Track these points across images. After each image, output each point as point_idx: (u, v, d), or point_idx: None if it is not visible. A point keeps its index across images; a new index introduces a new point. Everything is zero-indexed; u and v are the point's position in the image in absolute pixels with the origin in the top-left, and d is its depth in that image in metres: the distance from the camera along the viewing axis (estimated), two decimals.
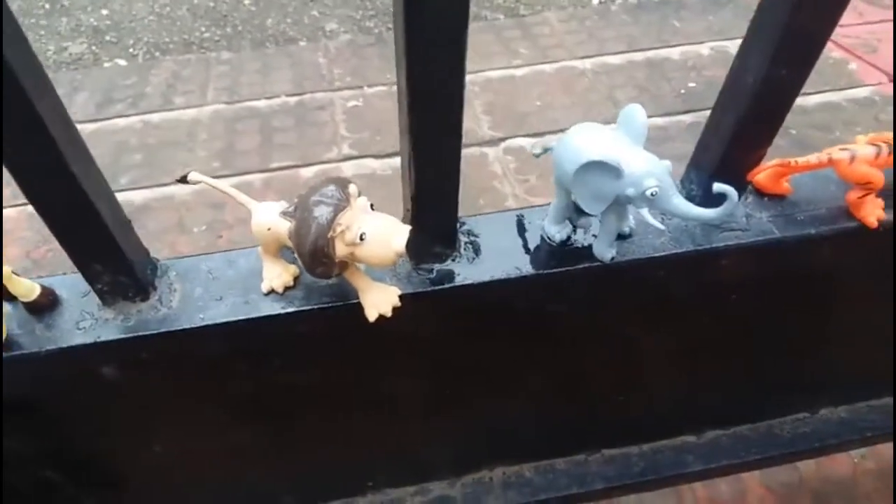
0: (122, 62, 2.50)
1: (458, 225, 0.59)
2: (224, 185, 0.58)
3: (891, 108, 1.93)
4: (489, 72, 2.21)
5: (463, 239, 0.59)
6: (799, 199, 0.64)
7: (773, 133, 0.54)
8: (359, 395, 0.74)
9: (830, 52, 2.21)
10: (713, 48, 2.22)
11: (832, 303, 0.79)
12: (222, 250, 0.60)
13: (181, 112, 2.11)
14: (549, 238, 0.60)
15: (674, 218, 0.58)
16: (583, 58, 2.25)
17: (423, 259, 0.58)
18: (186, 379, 0.61)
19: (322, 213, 0.49)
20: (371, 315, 0.55)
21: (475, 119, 2.03)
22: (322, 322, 0.57)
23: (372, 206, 0.51)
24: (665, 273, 0.61)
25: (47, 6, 2.86)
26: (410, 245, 0.58)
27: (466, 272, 0.58)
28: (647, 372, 0.84)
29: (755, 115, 0.52)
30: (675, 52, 2.22)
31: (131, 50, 2.55)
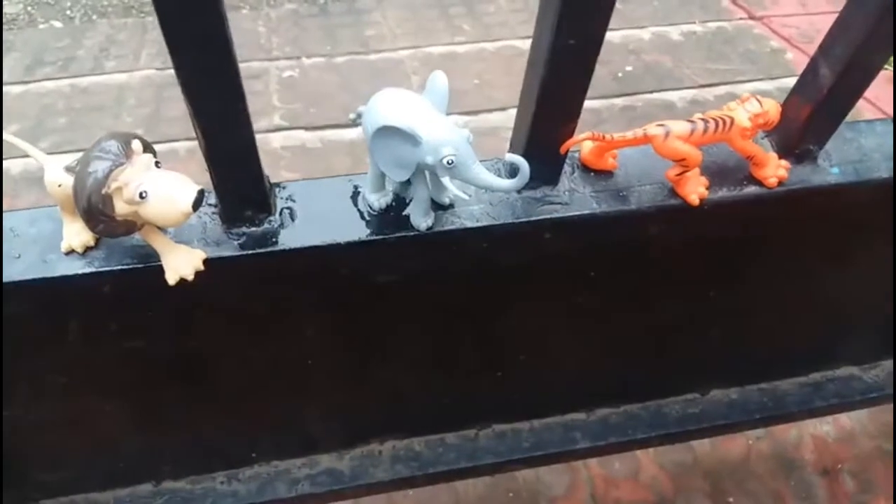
0: (58, 24, 2.43)
1: (273, 188, 0.59)
2: (19, 141, 0.56)
3: None
4: (430, 48, 2.19)
5: (280, 204, 0.58)
6: (627, 174, 0.64)
7: (574, 106, 0.54)
8: (205, 366, 0.74)
9: (769, 40, 2.23)
10: (654, 33, 2.22)
11: (692, 285, 0.80)
12: None
13: (111, 77, 2.06)
14: (369, 206, 0.60)
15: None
16: (525, 38, 2.24)
17: (235, 222, 0.57)
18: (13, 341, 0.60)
19: (97, 168, 0.47)
20: (171, 278, 0.54)
21: None
22: (126, 284, 0.56)
23: (158, 163, 0.50)
24: (489, 245, 0.61)
25: None
26: (220, 207, 0.57)
27: (279, 238, 0.57)
28: (520, 349, 0.85)
29: (553, 88, 0.52)
30: (616, 36, 2.22)
31: (68, 12, 2.48)
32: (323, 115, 1.94)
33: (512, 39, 2.24)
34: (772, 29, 2.26)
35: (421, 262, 0.62)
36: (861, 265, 0.83)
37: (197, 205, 0.49)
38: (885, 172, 0.66)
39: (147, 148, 0.51)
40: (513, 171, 0.59)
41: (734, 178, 0.63)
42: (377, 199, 0.59)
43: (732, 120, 0.59)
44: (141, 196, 0.48)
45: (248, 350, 0.72)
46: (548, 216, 0.61)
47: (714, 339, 0.90)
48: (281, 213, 0.58)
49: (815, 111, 0.60)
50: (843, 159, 0.66)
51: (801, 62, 2.10)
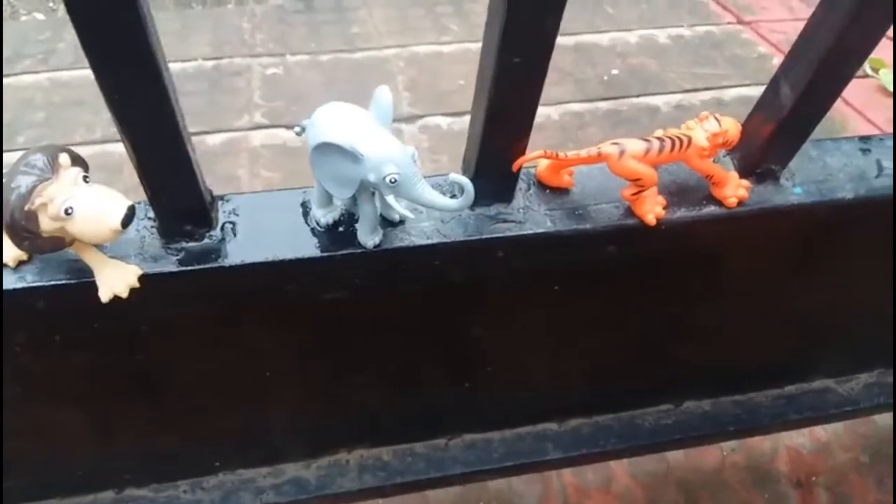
0: (41, 16, 2.39)
1: (215, 201, 0.57)
2: None
3: None
4: (416, 47, 2.16)
5: (223, 218, 0.57)
6: (584, 192, 0.62)
7: (524, 123, 0.53)
8: (158, 378, 0.72)
9: (757, 46, 2.21)
10: (641, 36, 2.21)
11: (657, 300, 0.79)
12: None
13: (90, 72, 2.03)
14: (316, 222, 0.58)
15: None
16: None
17: (173, 237, 0.55)
18: None
19: (21, 183, 0.46)
20: (104, 295, 0.52)
21: (396, 95, 1.99)
22: (61, 300, 0.54)
23: (86, 178, 0.48)
24: (441, 262, 0.60)
25: None
26: (157, 221, 0.56)
27: (220, 254, 0.55)
28: (486, 361, 0.84)
29: (500, 106, 0.50)
30: (603, 39, 2.20)
31: (51, 4, 2.44)
32: (305, 113, 1.89)
33: None
34: (759, 34, 2.25)
35: (370, 280, 0.60)
36: (830, 281, 0.82)
37: (127, 221, 0.47)
38: (849, 192, 0.64)
39: (76, 161, 0.49)
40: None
41: (693, 198, 0.62)
42: (324, 215, 0.57)
43: (690, 139, 0.57)
44: (66, 212, 0.46)
45: (200, 363, 0.71)
46: (500, 234, 0.59)
47: (686, 351, 0.89)
48: (223, 228, 0.56)
49: (776, 130, 0.59)
50: (806, 178, 0.64)
51: None
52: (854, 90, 2.05)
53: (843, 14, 0.51)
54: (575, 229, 0.60)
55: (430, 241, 0.58)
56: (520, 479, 1.24)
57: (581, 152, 0.57)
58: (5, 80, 1.99)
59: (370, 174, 0.50)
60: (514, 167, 0.55)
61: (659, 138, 0.57)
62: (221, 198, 0.58)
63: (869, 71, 2.10)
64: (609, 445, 0.98)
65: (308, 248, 0.56)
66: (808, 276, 0.80)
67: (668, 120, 1.93)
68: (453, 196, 0.52)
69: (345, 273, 0.58)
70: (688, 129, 0.59)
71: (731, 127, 0.58)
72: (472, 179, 0.59)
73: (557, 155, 0.56)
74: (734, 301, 0.81)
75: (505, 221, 0.59)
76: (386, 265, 0.59)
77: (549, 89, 2.30)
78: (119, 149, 1.77)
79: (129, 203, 0.48)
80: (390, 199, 0.50)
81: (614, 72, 2.07)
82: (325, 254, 0.56)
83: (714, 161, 0.65)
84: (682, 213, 0.61)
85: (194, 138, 1.91)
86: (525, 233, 0.59)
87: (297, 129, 0.55)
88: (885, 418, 1.35)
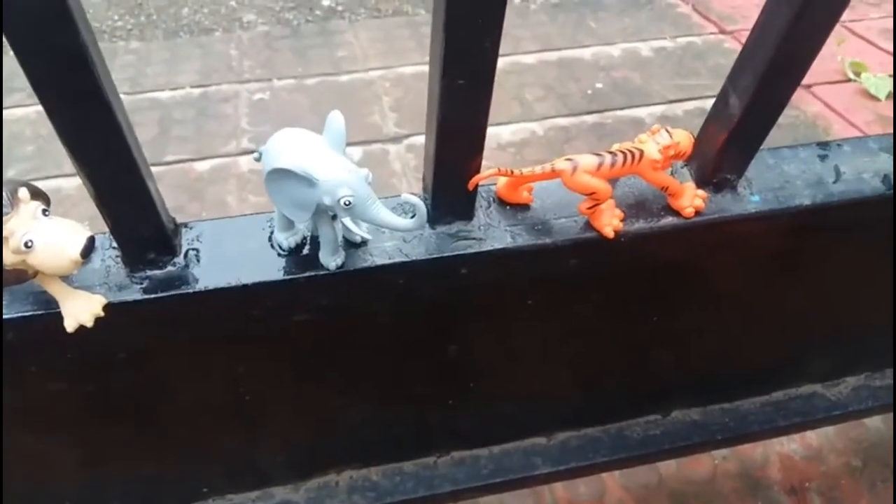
0: None
1: (179, 229, 0.58)
2: None
3: (789, 112, 1.96)
4: (402, 68, 2.19)
5: (186, 245, 0.58)
6: (544, 207, 0.63)
7: (474, 142, 0.54)
8: (137, 405, 0.73)
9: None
10: (624, 49, 2.23)
11: (631, 311, 0.80)
12: None
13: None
14: (279, 246, 0.59)
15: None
16: None
17: (137, 266, 0.56)
18: None
19: None
20: (69, 325, 0.53)
21: (382, 115, 2.01)
22: (29, 331, 0.55)
23: (45, 211, 0.49)
24: (405, 281, 0.61)
25: None
26: (121, 251, 0.57)
27: (184, 280, 0.56)
28: (468, 377, 0.84)
29: (449, 127, 0.51)
30: (587, 53, 2.23)
31: None
32: None
33: None
34: (742, 43, 2.27)
35: (337, 301, 0.61)
36: (806, 286, 0.83)
37: (87, 252, 0.48)
38: (806, 199, 0.65)
39: (36, 195, 0.50)
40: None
41: (651, 210, 0.63)
42: (286, 239, 0.58)
43: (642, 152, 0.58)
44: (26, 245, 0.47)
45: (180, 388, 0.72)
46: (462, 252, 0.60)
47: (670, 360, 0.90)
48: (186, 255, 0.57)
49: (728, 140, 0.60)
50: (764, 186, 0.65)
51: None
52: (836, 94, 2.08)
53: (782, 25, 0.52)
54: (535, 244, 0.61)
55: (392, 261, 0.59)
56: (511, 495, 1.23)
57: (535, 169, 0.58)
58: None
59: (325, 197, 0.51)
60: (470, 186, 0.56)
61: (611, 152, 0.58)
62: (185, 225, 0.59)
63: (851, 75, 2.12)
64: (598, 458, 0.98)
65: (271, 271, 0.57)
66: (783, 282, 0.81)
67: None
68: (414, 215, 0.53)
69: (310, 295, 0.59)
70: (640, 142, 0.60)
71: (683, 139, 0.59)
72: (431, 198, 0.60)
73: (513, 172, 0.57)
74: (710, 309, 0.82)
75: (466, 239, 0.60)
76: (350, 286, 0.59)
77: (534, 105, 2.32)
78: None
79: (89, 234, 0.49)
80: (347, 220, 0.51)
81: (598, 85, 2.09)
82: (288, 277, 0.57)
83: (672, 172, 0.66)
84: (640, 224, 0.62)
85: (182, 165, 1.93)
86: (486, 249, 0.60)
87: (256, 155, 0.57)
88: (875, 421, 1.34)
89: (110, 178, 0.48)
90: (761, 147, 0.67)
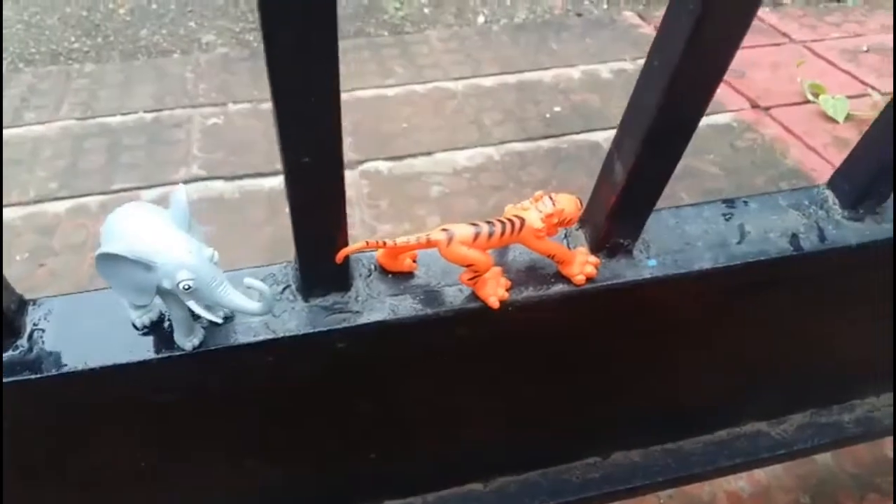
0: None
1: (23, 307, 0.54)
2: None
3: (747, 135, 1.94)
4: (360, 91, 2.16)
5: (30, 325, 0.54)
6: (428, 274, 0.60)
7: (333, 217, 0.50)
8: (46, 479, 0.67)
9: None
10: (584, 71, 2.21)
11: (543, 372, 0.76)
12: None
13: (28, 129, 2.01)
14: (133, 324, 0.55)
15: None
16: (457, 79, 2.22)
17: None
18: None
19: None
20: None
21: None
22: None
23: None
24: (274, 359, 0.57)
25: None
26: None
27: (26, 365, 0.52)
28: (387, 433, 0.80)
29: (302, 204, 0.48)
30: (547, 75, 2.20)
31: None
32: (244, 163, 1.90)
33: (443, 81, 2.22)
34: None
35: (200, 380, 0.57)
36: (724, 339, 0.80)
37: None
38: (707, 262, 0.62)
39: None
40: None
41: (541, 277, 0.59)
42: (139, 317, 0.54)
43: (523, 221, 0.55)
44: None
45: (70, 463, 0.66)
46: (337, 326, 0.56)
47: (599, 407, 0.86)
48: (31, 337, 0.53)
49: (617, 205, 0.57)
50: (662, 249, 0.62)
51: (729, 98, 2.10)
52: (794, 116, 2.06)
53: (659, 93, 0.49)
54: (418, 315, 0.57)
55: (257, 338, 0.55)
56: None
57: (410, 239, 0.54)
58: None
59: (164, 281, 0.47)
60: (338, 259, 0.53)
61: (489, 222, 0.55)
62: (33, 302, 0.55)
63: (810, 96, 2.11)
64: (538, 503, 0.94)
65: (122, 353, 0.53)
66: (697, 338, 0.78)
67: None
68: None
69: (168, 376, 0.55)
70: (522, 209, 0.56)
71: (568, 205, 0.56)
72: (301, 270, 0.57)
73: (385, 243, 0.54)
74: (623, 366, 0.79)
75: (342, 311, 0.56)
76: (212, 365, 0.56)
77: (492, 129, 2.29)
78: (53, 208, 1.74)
79: None
80: (191, 304, 0.48)
81: (556, 109, 2.06)
82: (140, 359, 0.53)
83: (566, 235, 0.63)
84: (529, 292, 0.59)
85: (129, 194, 1.87)
86: (364, 322, 0.56)
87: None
88: (825, 458, 1.32)
89: None
90: (664, 206, 0.64)
